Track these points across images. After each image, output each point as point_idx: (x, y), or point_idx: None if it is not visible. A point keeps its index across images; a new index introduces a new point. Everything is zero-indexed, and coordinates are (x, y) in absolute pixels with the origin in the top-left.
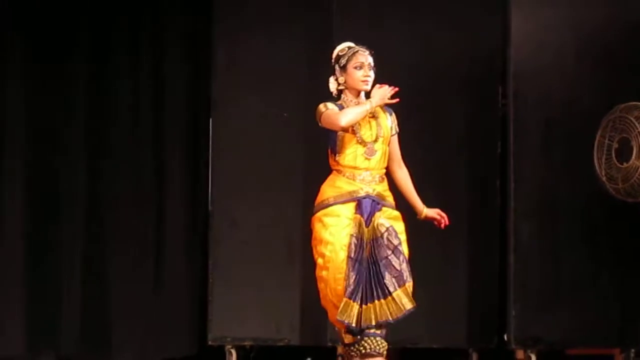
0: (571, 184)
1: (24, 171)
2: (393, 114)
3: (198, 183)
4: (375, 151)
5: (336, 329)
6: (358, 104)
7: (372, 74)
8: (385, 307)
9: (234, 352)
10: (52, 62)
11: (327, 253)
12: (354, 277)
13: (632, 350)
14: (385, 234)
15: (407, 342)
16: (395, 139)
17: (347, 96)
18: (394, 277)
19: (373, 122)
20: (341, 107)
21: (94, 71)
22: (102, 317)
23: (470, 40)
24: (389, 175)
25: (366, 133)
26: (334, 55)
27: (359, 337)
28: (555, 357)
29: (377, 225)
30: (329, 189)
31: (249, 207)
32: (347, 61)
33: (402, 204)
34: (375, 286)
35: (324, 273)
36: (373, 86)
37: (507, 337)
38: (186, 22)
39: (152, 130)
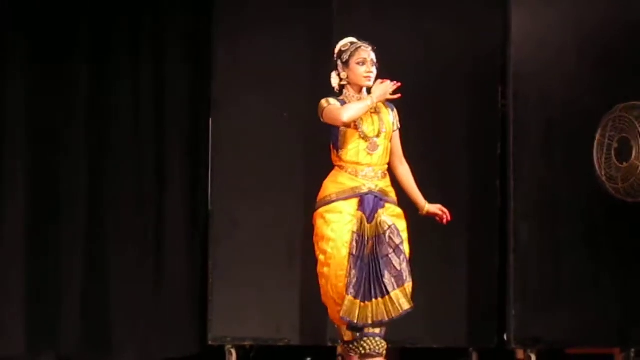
0: (571, 184)
1: (24, 171)
2: (395, 110)
3: (198, 183)
4: (378, 146)
5: (335, 326)
6: (360, 99)
7: (374, 69)
8: (382, 306)
9: (234, 352)
10: (52, 62)
11: (329, 250)
12: (355, 274)
13: (632, 350)
14: (388, 232)
15: (407, 341)
16: (396, 134)
17: (349, 91)
18: (394, 276)
19: (375, 117)
20: (343, 103)
21: (94, 71)
22: (102, 317)
23: (470, 39)
24: (390, 171)
25: (368, 128)
26: (336, 51)
27: (358, 335)
28: (556, 356)
29: (380, 222)
30: (331, 185)
31: (249, 207)
32: (350, 57)
33: (403, 201)
34: (374, 284)
35: (325, 270)
36: (375, 82)
37: (507, 336)
38: (186, 21)
39: (153, 130)
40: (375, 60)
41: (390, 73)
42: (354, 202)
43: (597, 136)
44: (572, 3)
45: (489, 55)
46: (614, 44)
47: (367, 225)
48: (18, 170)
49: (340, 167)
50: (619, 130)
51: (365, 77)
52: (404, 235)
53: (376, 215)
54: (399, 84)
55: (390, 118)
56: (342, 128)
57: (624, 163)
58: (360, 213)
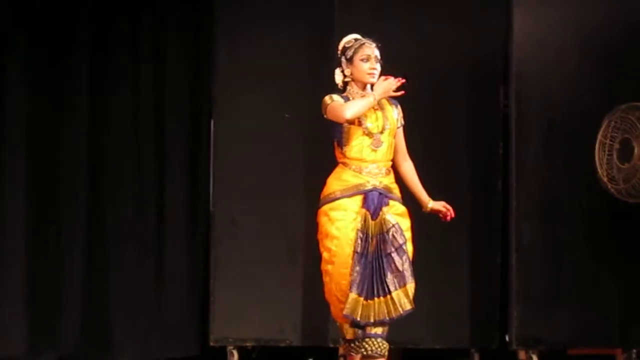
0: (573, 184)
1: (24, 171)
2: (399, 106)
3: (199, 183)
4: (382, 142)
5: (337, 324)
6: (364, 96)
7: (378, 66)
8: (383, 305)
9: (235, 352)
10: (52, 62)
11: (333, 247)
12: (359, 271)
13: (634, 350)
14: (392, 231)
15: (409, 342)
16: (400, 131)
17: (353, 88)
18: (396, 276)
19: (379, 114)
20: (347, 99)
21: (94, 71)
22: (102, 317)
23: (472, 40)
24: (394, 168)
25: (372, 124)
26: (340, 47)
27: (360, 333)
28: (557, 357)
29: (384, 220)
30: (334, 182)
31: (250, 207)
32: (354, 53)
33: (406, 199)
34: (377, 282)
35: (329, 267)
36: (379, 79)
37: (509, 337)
38: (186, 21)
39: (153, 130)
40: (379, 56)
41: (391, 73)
42: (358, 199)
43: (599, 137)
44: (572, 3)
45: (491, 56)
46: (614, 44)
47: (371, 223)
48: (18, 170)
49: (344, 164)
50: (621, 131)
51: (369, 73)
52: (408, 234)
53: (381, 213)
54: (403, 81)
55: (395, 114)
56: (345, 125)
57: (626, 164)
58: (364, 210)
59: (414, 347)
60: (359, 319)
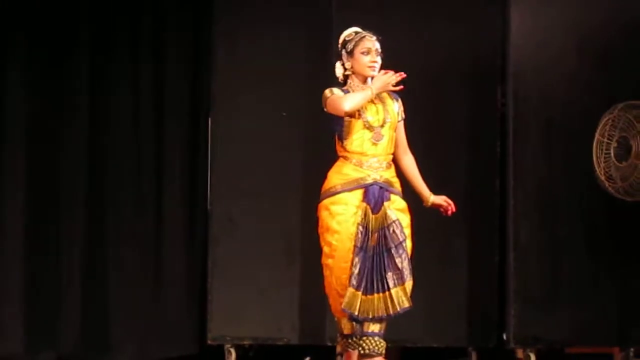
0: (571, 183)
1: (24, 171)
2: (399, 100)
3: (198, 182)
4: (382, 136)
5: (335, 318)
6: (364, 89)
7: (379, 59)
8: (382, 301)
9: (233, 351)
10: (52, 62)
11: (334, 242)
12: (358, 265)
13: (632, 349)
14: (392, 227)
15: (406, 341)
16: (401, 125)
17: (354, 81)
18: (395, 273)
19: (380, 107)
20: (347, 93)
21: (94, 71)
22: (101, 316)
23: (470, 39)
24: (395, 162)
25: (373, 118)
26: (340, 40)
27: (357, 327)
28: (555, 356)
29: (386, 215)
30: (335, 176)
31: (248, 207)
32: (354, 46)
33: (405, 195)
34: (377, 278)
35: (329, 261)
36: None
37: (507, 336)
38: (186, 21)
39: (153, 130)
40: (379, 50)
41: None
42: (359, 193)
43: (597, 135)
44: (571, 2)
45: (488, 55)
46: (613, 44)
47: (371, 217)
48: (18, 170)
49: (345, 158)
50: (618, 130)
51: (370, 66)
52: (407, 231)
53: (382, 207)
54: (403, 76)
55: (395, 108)
56: (346, 118)
57: (623, 162)
58: (364, 204)
59: (412, 345)
60: (357, 313)
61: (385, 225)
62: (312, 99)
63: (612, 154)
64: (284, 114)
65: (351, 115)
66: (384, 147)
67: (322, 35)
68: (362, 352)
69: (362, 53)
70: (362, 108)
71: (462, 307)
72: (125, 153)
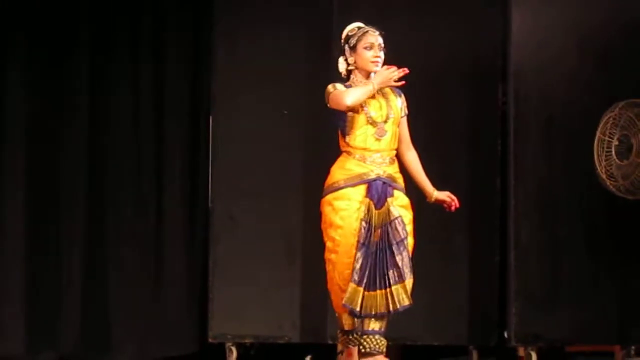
0: (571, 182)
1: (24, 171)
2: (402, 96)
3: (198, 181)
4: (386, 132)
5: (336, 314)
6: (367, 85)
7: (382, 54)
8: (383, 298)
9: (234, 349)
10: (52, 62)
11: (337, 237)
12: (360, 261)
13: (633, 347)
14: (394, 223)
15: (407, 339)
16: (404, 120)
17: (357, 77)
18: (396, 270)
19: (383, 103)
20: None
21: (94, 71)
22: (102, 316)
23: (470, 38)
24: (398, 158)
25: (376, 113)
26: (343, 35)
27: (358, 323)
28: (556, 354)
29: (389, 211)
30: (338, 172)
31: (249, 205)
32: (357, 41)
33: (408, 192)
34: (379, 274)
35: (332, 256)
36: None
37: (508, 334)
38: (186, 21)
39: (153, 130)
40: (382, 45)
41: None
42: (362, 188)
43: (598, 134)
44: (572, 2)
45: (489, 54)
46: (613, 43)
47: (374, 212)
48: (18, 170)
49: (348, 153)
50: (619, 128)
51: (373, 61)
52: (409, 228)
53: (386, 203)
54: (406, 71)
55: (398, 104)
56: (349, 113)
57: (625, 160)
58: (368, 200)
59: (413, 343)
60: (357, 309)
61: (388, 221)
62: (312, 99)
63: (613, 152)
64: (285, 112)
65: (353, 110)
66: (387, 142)
67: (322, 35)
68: (363, 350)
69: (365, 48)
70: (365, 103)
71: (463, 305)
72: (125, 153)
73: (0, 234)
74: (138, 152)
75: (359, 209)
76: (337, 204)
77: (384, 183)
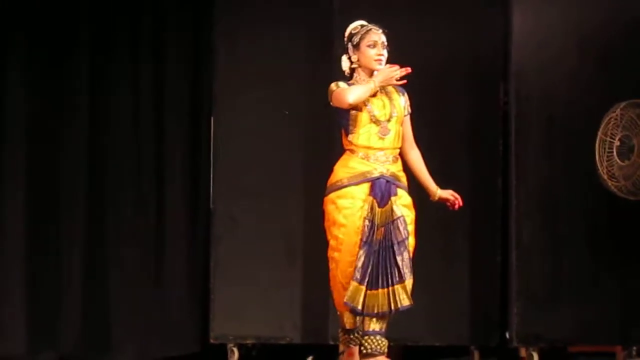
0: (573, 183)
1: (24, 171)
2: (406, 94)
3: (199, 182)
4: (389, 130)
5: (338, 313)
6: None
7: (385, 52)
8: (385, 297)
9: (235, 350)
10: (52, 62)
11: (340, 235)
12: (362, 259)
13: (634, 347)
14: (397, 223)
15: (409, 339)
16: (407, 119)
17: (360, 75)
18: (397, 270)
19: (387, 101)
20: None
21: (94, 71)
22: (102, 316)
23: (471, 38)
24: (401, 156)
25: (380, 112)
26: (346, 34)
27: (359, 322)
28: (557, 354)
29: (392, 210)
30: (341, 170)
31: (250, 206)
32: (360, 39)
33: (410, 192)
34: (382, 273)
35: (335, 254)
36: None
37: (509, 334)
38: (186, 21)
39: (153, 130)
40: (386, 43)
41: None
42: (365, 186)
43: (599, 134)
44: (572, 2)
45: (491, 54)
46: (614, 43)
47: (378, 211)
48: (18, 170)
49: (351, 151)
50: (621, 128)
51: (376, 59)
52: (411, 228)
53: (389, 202)
54: (408, 70)
55: (402, 102)
56: (352, 112)
57: (626, 161)
58: (371, 198)
59: (414, 344)
60: (359, 307)
61: (391, 220)
62: (312, 99)
63: (614, 153)
64: (286, 112)
65: (356, 108)
66: (391, 141)
67: (322, 35)
68: (364, 351)
69: (369, 46)
70: (368, 102)
71: (464, 306)
72: (125, 153)
73: (0, 234)
74: (138, 152)
75: (362, 207)
76: (340, 202)
77: (388, 181)
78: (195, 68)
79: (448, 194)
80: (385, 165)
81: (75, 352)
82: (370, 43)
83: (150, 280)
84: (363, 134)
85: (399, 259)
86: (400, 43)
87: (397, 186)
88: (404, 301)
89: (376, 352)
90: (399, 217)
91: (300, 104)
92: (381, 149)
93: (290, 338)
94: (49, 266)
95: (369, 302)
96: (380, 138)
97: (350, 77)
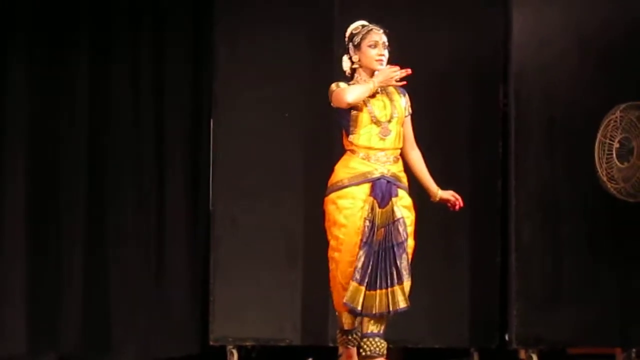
0: (573, 184)
1: (24, 171)
2: (407, 95)
3: (199, 182)
4: (390, 131)
5: (337, 313)
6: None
7: (386, 52)
8: (384, 298)
9: (235, 352)
10: (52, 62)
11: (341, 235)
12: (362, 259)
13: (634, 349)
14: (397, 224)
15: (408, 341)
16: (408, 120)
17: (361, 75)
18: (396, 271)
19: (387, 102)
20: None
21: (94, 71)
22: (103, 317)
23: (471, 39)
24: (402, 157)
25: (380, 113)
26: (347, 34)
27: (357, 323)
28: (557, 356)
29: (392, 211)
30: (342, 170)
31: (250, 207)
32: (361, 39)
33: (411, 191)
34: (381, 274)
35: (336, 255)
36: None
37: (509, 336)
38: (186, 21)
39: (153, 130)
40: (387, 43)
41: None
42: (366, 187)
43: (599, 136)
44: (573, 2)
45: (491, 55)
46: (615, 44)
47: (378, 211)
48: (18, 170)
49: (352, 152)
50: (620, 131)
51: (377, 60)
52: (410, 229)
53: (390, 203)
54: (409, 72)
55: (402, 103)
56: (353, 112)
57: (625, 163)
58: (371, 198)
59: (414, 346)
60: (358, 308)
61: (392, 221)
62: (313, 99)
63: (614, 155)
64: (286, 114)
65: (356, 108)
66: (392, 141)
67: (322, 35)
68: (363, 353)
69: (370, 46)
70: (369, 103)
71: (464, 307)
72: (125, 153)
73: (0, 234)
74: (138, 152)
75: (362, 207)
76: (341, 202)
77: (389, 182)
78: (195, 68)
79: (449, 194)
80: (386, 166)
81: (76, 352)
82: (372, 43)
83: (150, 281)
84: (364, 134)
85: (398, 260)
86: (400, 43)
87: (398, 187)
88: (401, 303)
89: (375, 355)
90: (399, 219)
91: (301, 104)
92: (382, 150)
93: (290, 340)
94: (49, 266)
95: (368, 302)
96: (381, 139)
97: (351, 77)
